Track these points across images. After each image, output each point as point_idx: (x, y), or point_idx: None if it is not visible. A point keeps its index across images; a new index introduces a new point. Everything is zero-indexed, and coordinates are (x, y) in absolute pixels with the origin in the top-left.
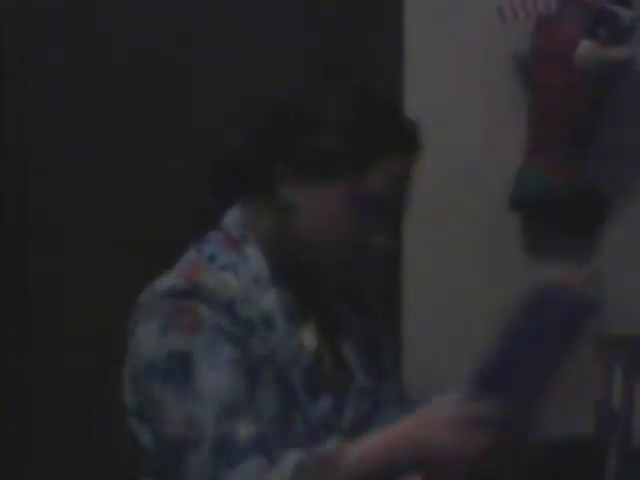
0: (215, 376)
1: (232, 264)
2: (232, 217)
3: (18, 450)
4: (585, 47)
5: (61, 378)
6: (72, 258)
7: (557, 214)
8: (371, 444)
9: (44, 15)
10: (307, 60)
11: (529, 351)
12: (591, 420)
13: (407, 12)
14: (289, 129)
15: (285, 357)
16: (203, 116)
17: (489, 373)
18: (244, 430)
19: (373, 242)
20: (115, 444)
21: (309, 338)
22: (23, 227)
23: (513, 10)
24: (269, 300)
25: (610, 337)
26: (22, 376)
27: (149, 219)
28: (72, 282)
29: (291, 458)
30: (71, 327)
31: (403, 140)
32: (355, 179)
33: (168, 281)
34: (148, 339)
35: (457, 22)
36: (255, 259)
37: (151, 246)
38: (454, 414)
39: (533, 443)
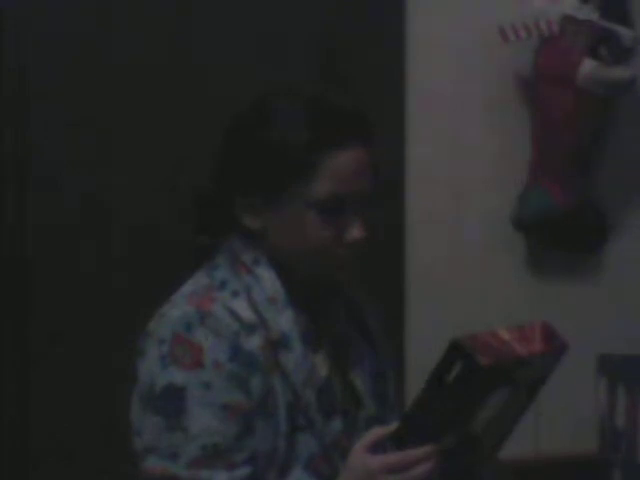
0: (204, 417)
1: (245, 288)
2: (238, 242)
3: (17, 452)
4: (588, 67)
5: (61, 379)
6: (72, 257)
7: (559, 233)
8: None
9: (44, 15)
10: (309, 65)
11: (437, 402)
12: (595, 438)
13: (409, 31)
14: (237, 162)
15: (300, 376)
16: (203, 117)
17: (410, 416)
18: (220, 478)
19: (349, 238)
20: (115, 447)
21: (320, 364)
22: (23, 227)
23: (515, 30)
24: (285, 320)
25: (613, 355)
26: (22, 379)
27: (150, 217)
28: (73, 281)
29: None
30: (71, 326)
31: (338, 136)
32: (306, 190)
33: (177, 310)
34: (150, 367)
35: (459, 42)
36: (269, 281)
37: (152, 244)
38: (383, 460)
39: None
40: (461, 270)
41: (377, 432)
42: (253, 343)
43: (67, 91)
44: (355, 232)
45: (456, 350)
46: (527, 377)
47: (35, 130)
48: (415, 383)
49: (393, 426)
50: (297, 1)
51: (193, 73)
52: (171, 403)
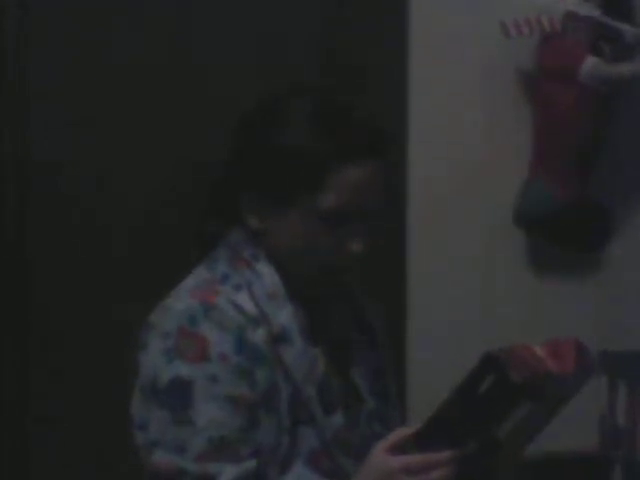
0: (211, 410)
1: (246, 282)
2: (239, 236)
3: (17, 452)
4: (590, 63)
5: (61, 379)
6: (72, 257)
7: (560, 230)
8: None
9: (44, 15)
10: (309, 64)
11: (463, 411)
12: (596, 436)
13: (411, 28)
14: (247, 161)
15: (301, 371)
16: (203, 117)
17: (434, 421)
18: (228, 472)
19: (349, 250)
20: (115, 446)
21: (319, 360)
22: (23, 227)
23: (517, 26)
24: (285, 315)
25: (614, 352)
26: (22, 379)
27: (150, 217)
28: (73, 281)
29: None
30: (71, 326)
31: (353, 150)
32: (313, 199)
33: (181, 303)
34: (154, 361)
35: (460, 38)
36: (269, 276)
37: (152, 244)
38: (404, 460)
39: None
40: (462, 268)
41: (399, 433)
42: (259, 336)
43: (67, 91)
44: (355, 245)
45: (490, 362)
46: (555, 393)
47: (35, 130)
48: (416, 382)
49: (415, 428)
50: (297, 1)
51: (193, 73)
52: (177, 397)
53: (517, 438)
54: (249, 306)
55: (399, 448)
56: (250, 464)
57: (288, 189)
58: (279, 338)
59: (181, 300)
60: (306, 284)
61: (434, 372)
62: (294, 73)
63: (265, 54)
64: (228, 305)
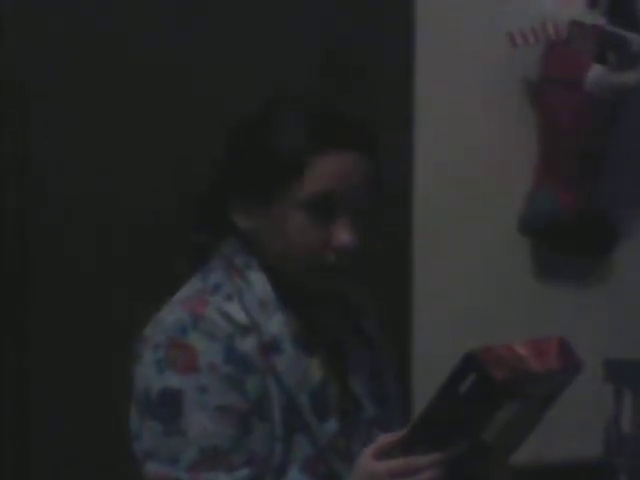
0: (202, 420)
1: (237, 291)
2: (232, 245)
3: (17, 452)
4: (595, 72)
5: (61, 379)
6: (72, 257)
7: (566, 237)
8: None
9: (44, 15)
10: (309, 65)
11: (447, 412)
12: (601, 443)
13: (418, 36)
14: (231, 161)
15: (293, 379)
16: (203, 117)
17: (419, 424)
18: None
19: (337, 243)
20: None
21: (315, 368)
22: (23, 227)
23: (523, 35)
24: (276, 323)
25: (620, 360)
26: (22, 379)
27: (150, 217)
28: (73, 281)
29: None
30: (71, 327)
31: (333, 138)
32: (295, 188)
33: (172, 315)
34: (146, 372)
35: (466, 46)
36: (260, 284)
37: (152, 244)
38: (389, 464)
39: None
40: (465, 274)
41: (386, 438)
42: (248, 345)
43: (67, 91)
44: (343, 237)
45: (470, 362)
46: (540, 391)
47: (35, 130)
48: (421, 382)
49: (401, 432)
50: (297, 1)
51: (193, 73)
52: (168, 407)
53: (506, 439)
54: (239, 315)
55: (386, 453)
56: (243, 473)
57: (271, 184)
58: (270, 347)
59: (172, 312)
60: (304, 283)
61: (438, 374)
62: (294, 73)
63: (265, 54)
64: (217, 315)
